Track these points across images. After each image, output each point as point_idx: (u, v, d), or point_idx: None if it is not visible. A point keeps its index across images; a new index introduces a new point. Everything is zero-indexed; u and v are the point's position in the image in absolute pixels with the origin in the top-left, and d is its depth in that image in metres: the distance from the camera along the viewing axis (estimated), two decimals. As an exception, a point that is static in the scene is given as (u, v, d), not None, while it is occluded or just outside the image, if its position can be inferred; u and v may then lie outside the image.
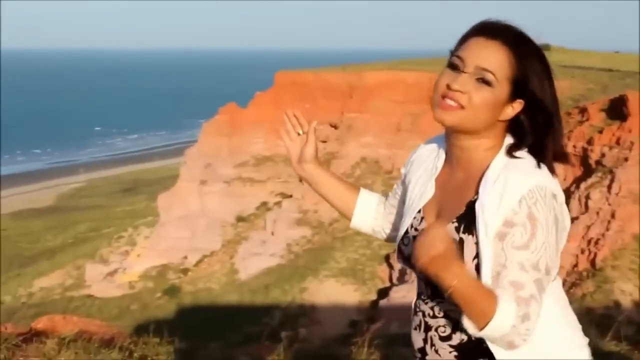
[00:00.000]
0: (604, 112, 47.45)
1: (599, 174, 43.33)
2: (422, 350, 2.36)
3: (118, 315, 56.07)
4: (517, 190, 2.13)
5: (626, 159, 42.87)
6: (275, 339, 6.40)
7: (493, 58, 2.17)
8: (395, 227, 2.66)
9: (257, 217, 68.22)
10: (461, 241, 2.21)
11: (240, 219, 68.44)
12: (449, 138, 2.33)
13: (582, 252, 40.03)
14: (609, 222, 40.34)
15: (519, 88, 2.19)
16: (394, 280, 52.19)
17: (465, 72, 2.19)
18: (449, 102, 2.20)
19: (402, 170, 2.63)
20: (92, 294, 63.32)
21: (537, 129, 2.22)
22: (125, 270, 66.62)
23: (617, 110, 46.04)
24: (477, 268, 2.18)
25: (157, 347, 5.92)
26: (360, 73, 71.14)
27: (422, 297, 2.36)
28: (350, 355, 6.35)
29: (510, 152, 2.24)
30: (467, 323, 2.10)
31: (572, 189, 43.36)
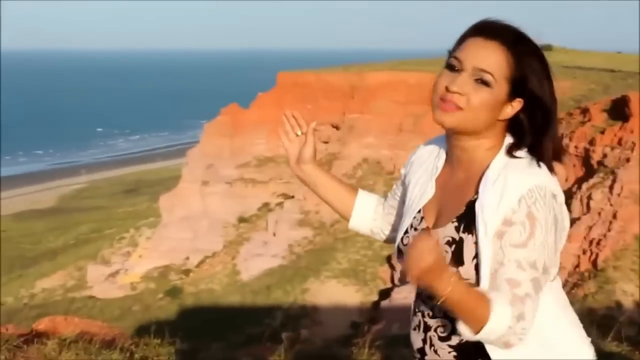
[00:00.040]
0: (605, 112, 47.44)
1: (601, 175, 43.31)
2: (421, 351, 2.35)
3: (120, 316, 56.11)
4: (516, 189, 2.13)
5: (628, 160, 42.86)
6: (276, 339, 6.40)
7: (491, 58, 2.16)
8: (395, 228, 2.65)
9: (259, 218, 68.27)
10: (461, 240, 2.21)
11: (242, 219, 68.49)
12: (450, 139, 2.33)
13: (584, 252, 40.02)
14: (610, 222, 40.33)
15: (517, 87, 2.18)
16: (396, 281, 52.21)
17: (463, 73, 2.18)
18: (447, 105, 2.20)
19: (402, 171, 2.61)
20: (93, 295, 63.39)
21: (536, 128, 2.22)
22: (127, 271, 66.67)
23: (618, 110, 46.03)
24: (477, 268, 2.17)
25: (158, 348, 5.91)
26: (362, 73, 71.19)
27: (422, 297, 2.35)
28: (351, 356, 6.33)
29: (510, 151, 2.23)
30: (462, 328, 2.10)
31: (574, 189, 43.35)
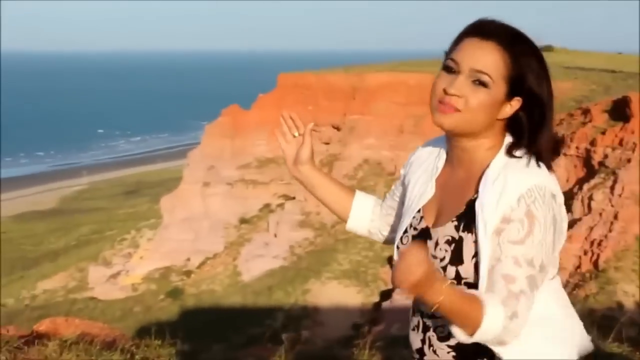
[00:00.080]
0: (606, 113, 47.40)
1: (602, 175, 43.29)
2: (420, 351, 2.36)
3: (121, 318, 56.12)
4: (516, 189, 2.14)
5: (629, 160, 42.85)
6: (277, 340, 6.41)
7: (488, 59, 2.17)
8: (394, 228, 2.66)
9: (260, 219, 68.24)
10: (460, 240, 2.22)
11: (243, 220, 68.47)
12: (450, 139, 2.34)
13: (585, 253, 40.02)
14: (611, 223, 40.31)
15: (516, 86, 2.18)
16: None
17: (460, 76, 2.19)
18: (446, 108, 2.21)
19: (402, 171, 2.62)
20: (95, 296, 63.39)
21: (534, 126, 2.23)
22: (128, 273, 66.67)
23: (619, 111, 46.01)
24: (476, 267, 2.19)
25: (158, 349, 5.91)
26: (363, 75, 71.15)
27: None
28: (351, 357, 6.35)
29: (510, 151, 2.24)
30: (456, 332, 2.10)
31: (575, 190, 43.34)
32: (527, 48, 2.20)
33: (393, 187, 2.70)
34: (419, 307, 2.37)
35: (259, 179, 69.79)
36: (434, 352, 2.31)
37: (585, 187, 43.09)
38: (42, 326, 6.11)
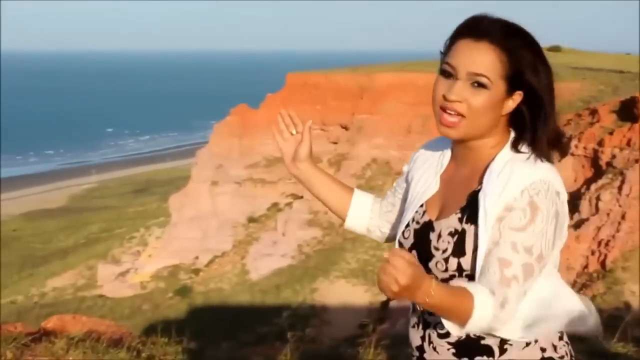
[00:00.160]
0: (614, 113, 47.09)
1: (610, 176, 43.04)
2: (420, 348, 2.35)
3: (130, 315, 56.20)
4: (520, 182, 2.15)
5: (637, 161, 42.55)
6: (285, 339, 6.41)
7: (484, 60, 2.16)
8: (394, 225, 2.65)
9: (268, 217, 68.20)
10: (463, 231, 2.22)
11: (251, 219, 68.45)
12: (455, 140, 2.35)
13: (593, 253, 39.78)
14: (619, 223, 40.05)
15: (515, 82, 2.18)
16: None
17: (458, 80, 2.18)
18: (450, 118, 2.21)
19: (405, 168, 2.62)
20: (103, 294, 63.47)
21: (536, 118, 2.23)
22: (136, 271, 66.74)
23: (627, 111, 45.73)
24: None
25: (165, 347, 5.90)
26: (371, 74, 70.96)
27: None
28: (357, 356, 6.32)
29: (516, 146, 2.25)
30: (448, 325, 2.09)
31: (583, 190, 43.10)
32: (521, 41, 2.18)
33: (395, 184, 2.68)
34: (419, 305, 2.28)
35: (267, 178, 69.73)
36: (434, 349, 2.30)
37: (593, 187, 42.86)
38: (50, 323, 6.14)
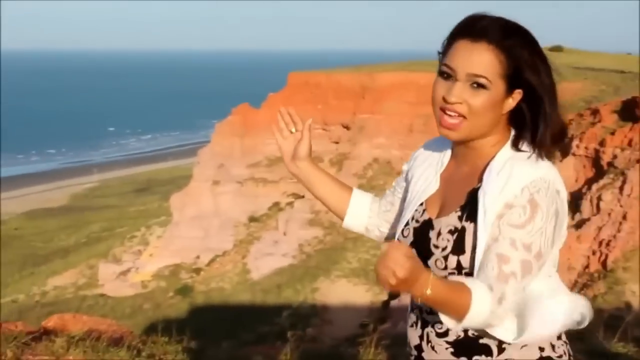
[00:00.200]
0: (616, 113, 47.07)
1: (611, 176, 43.01)
2: (419, 347, 2.35)
3: (131, 315, 56.24)
4: (521, 180, 2.15)
5: (638, 161, 42.51)
6: (286, 338, 6.41)
7: (482, 61, 2.16)
8: (393, 224, 2.66)
9: (270, 217, 68.22)
10: (463, 229, 2.22)
11: (252, 219, 68.46)
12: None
13: (594, 253, 39.76)
14: (620, 223, 40.01)
15: (514, 80, 2.18)
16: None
17: (458, 81, 2.18)
18: (451, 120, 2.21)
19: (404, 167, 2.62)
20: (105, 293, 63.49)
21: (536, 116, 2.22)
22: (138, 270, 66.74)
23: (629, 111, 45.72)
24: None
25: (165, 346, 5.89)
26: (373, 74, 70.95)
27: None
28: (357, 355, 6.33)
29: (516, 144, 2.25)
30: (445, 319, 2.09)
31: (584, 190, 43.08)
32: (519, 40, 2.18)
33: (394, 183, 2.68)
34: (418, 304, 2.35)
35: (269, 177, 69.73)
36: (432, 348, 2.30)
37: (594, 187, 42.83)
38: (50, 322, 6.14)
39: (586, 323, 2.32)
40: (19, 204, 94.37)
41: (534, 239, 2.11)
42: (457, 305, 2.04)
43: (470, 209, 2.23)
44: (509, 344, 2.21)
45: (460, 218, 2.24)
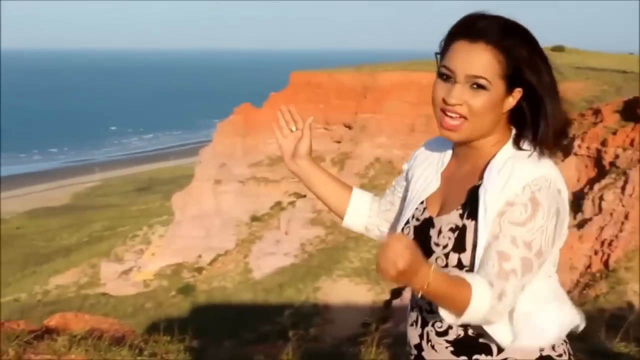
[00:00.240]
0: (617, 113, 46.99)
1: (613, 176, 42.95)
2: (418, 347, 2.35)
3: (133, 314, 56.30)
4: (522, 178, 2.15)
5: (640, 161, 42.55)
6: (288, 337, 6.41)
7: (481, 62, 2.15)
8: (393, 224, 2.64)
9: (271, 216, 68.24)
10: (464, 227, 2.22)
11: (254, 218, 68.49)
12: None
13: (596, 253, 39.71)
14: (622, 223, 39.96)
15: (514, 80, 2.18)
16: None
17: (457, 83, 2.18)
18: (451, 121, 2.22)
19: (404, 166, 2.62)
20: (107, 292, 63.54)
21: (537, 113, 2.22)
22: (140, 269, 66.80)
23: (631, 111, 45.65)
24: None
25: (167, 345, 5.88)
26: (374, 74, 70.93)
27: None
28: (359, 355, 6.33)
29: (517, 143, 2.25)
30: (444, 314, 2.09)
31: (586, 190, 43.04)
32: (518, 39, 2.17)
33: (394, 182, 2.68)
34: (418, 302, 2.36)
35: (271, 176, 69.73)
36: (432, 347, 2.30)
37: (596, 187, 42.78)
38: (52, 321, 6.15)
39: (579, 330, 2.33)
40: (21, 203, 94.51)
41: (535, 237, 2.11)
42: (457, 299, 2.04)
43: (471, 207, 2.22)
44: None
45: (461, 216, 2.24)
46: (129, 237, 73.92)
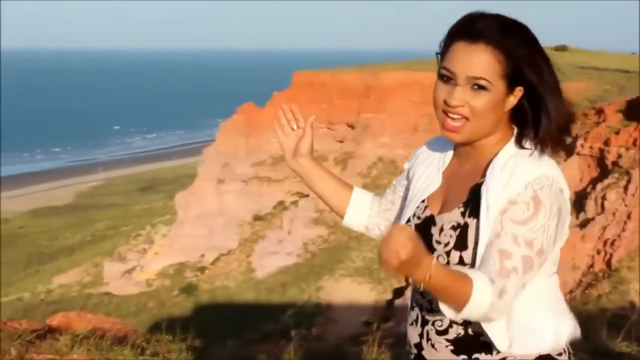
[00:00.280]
0: (620, 113, 46.94)
1: (616, 175, 42.91)
2: (418, 346, 2.34)
3: (135, 313, 56.34)
4: (524, 176, 2.15)
5: (643, 160, 42.48)
6: (290, 337, 6.41)
7: (481, 63, 2.15)
8: (394, 223, 2.63)
9: (274, 216, 68.25)
10: (466, 225, 2.22)
11: (257, 217, 68.51)
12: None
13: (598, 252, 39.66)
14: (625, 223, 39.91)
15: (514, 79, 2.18)
16: (410, 280, 52.00)
17: (458, 85, 2.18)
18: (453, 122, 2.22)
19: (405, 165, 2.62)
20: (109, 292, 63.62)
21: (538, 112, 2.22)
22: (142, 268, 66.86)
23: (633, 111, 45.58)
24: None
25: (169, 345, 5.89)
26: (377, 73, 70.88)
27: (419, 290, 2.33)
28: (360, 354, 6.34)
29: (519, 141, 2.25)
30: (444, 309, 2.09)
31: (589, 189, 43.01)
32: (517, 39, 2.17)
33: (394, 181, 2.68)
34: (418, 301, 2.36)
35: (273, 176, 69.73)
36: (432, 346, 2.29)
37: (599, 186, 42.74)
38: (55, 321, 6.17)
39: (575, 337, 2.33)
40: (24, 202, 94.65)
41: (537, 236, 2.11)
42: (458, 293, 2.03)
43: (473, 205, 2.23)
44: None
45: (463, 214, 2.24)
46: (132, 236, 73.99)
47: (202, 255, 66.49)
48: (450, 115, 2.22)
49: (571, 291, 35.67)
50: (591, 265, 39.72)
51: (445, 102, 2.21)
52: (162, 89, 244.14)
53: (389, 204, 2.66)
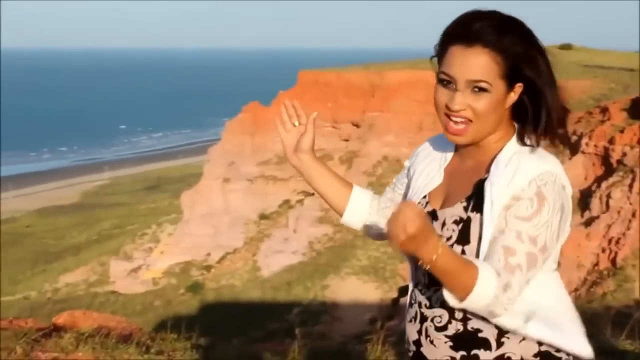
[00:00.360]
0: (625, 111, 46.83)
1: (620, 173, 42.83)
2: (417, 342, 2.34)
3: (141, 312, 56.37)
4: (528, 173, 2.15)
5: (647, 158, 42.40)
6: (295, 335, 6.43)
7: (480, 66, 2.16)
8: None
9: (280, 214, 68.23)
10: (468, 219, 2.22)
11: (262, 216, 68.49)
12: None
13: (603, 251, 39.59)
14: (629, 221, 39.83)
15: (513, 76, 2.18)
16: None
17: (458, 89, 2.19)
18: (457, 126, 2.23)
19: (406, 163, 2.62)
20: (116, 290, 63.62)
21: (538, 106, 2.22)
22: (148, 267, 66.89)
23: (638, 109, 45.43)
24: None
25: (174, 343, 5.90)
26: (382, 72, 70.79)
27: (419, 287, 2.36)
28: (365, 352, 6.34)
29: (522, 138, 2.26)
30: (447, 295, 2.09)
31: (593, 188, 42.95)
32: (514, 37, 2.17)
33: (395, 179, 2.68)
34: (417, 298, 2.36)
35: (279, 175, 69.68)
36: (431, 342, 2.29)
37: (604, 185, 42.69)
38: (61, 319, 6.20)
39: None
40: (30, 201, 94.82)
41: (540, 232, 2.12)
42: (462, 279, 2.04)
43: (476, 200, 2.23)
44: (508, 337, 2.20)
45: (465, 208, 2.25)
46: (138, 235, 74.04)
47: (208, 254, 66.50)
48: (453, 118, 2.23)
49: (576, 289, 35.64)
50: (596, 264, 39.66)
51: (447, 107, 2.23)
52: (163, 88, 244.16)
53: (389, 202, 2.66)
